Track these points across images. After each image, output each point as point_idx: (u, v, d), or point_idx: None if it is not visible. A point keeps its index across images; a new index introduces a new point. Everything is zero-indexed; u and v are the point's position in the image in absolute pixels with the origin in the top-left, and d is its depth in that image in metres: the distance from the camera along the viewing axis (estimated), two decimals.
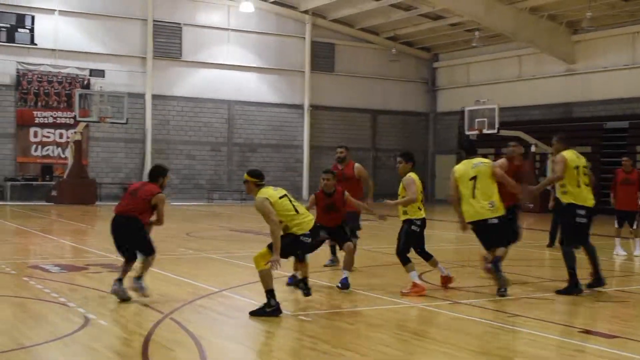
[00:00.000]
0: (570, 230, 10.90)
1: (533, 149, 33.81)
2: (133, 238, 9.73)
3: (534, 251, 16.93)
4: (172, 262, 13.46)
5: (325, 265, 13.17)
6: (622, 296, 11.03)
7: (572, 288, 10.79)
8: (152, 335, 7.78)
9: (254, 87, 39.42)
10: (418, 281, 10.51)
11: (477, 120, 32.93)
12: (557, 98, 37.26)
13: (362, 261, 13.56)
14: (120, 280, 9.71)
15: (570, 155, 10.92)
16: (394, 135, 43.04)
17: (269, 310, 8.84)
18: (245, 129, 39.26)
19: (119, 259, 10.29)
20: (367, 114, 42.79)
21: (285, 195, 9.25)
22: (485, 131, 32.62)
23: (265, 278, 8.91)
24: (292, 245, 9.16)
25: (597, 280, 11.02)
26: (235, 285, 11.09)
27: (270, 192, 9.13)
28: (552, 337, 8.08)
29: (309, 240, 9.20)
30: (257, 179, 9.21)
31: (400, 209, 10.73)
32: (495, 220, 10.55)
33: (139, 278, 9.69)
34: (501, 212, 10.61)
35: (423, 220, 10.80)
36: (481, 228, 10.65)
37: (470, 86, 41.55)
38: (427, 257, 11.12)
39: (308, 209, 10.12)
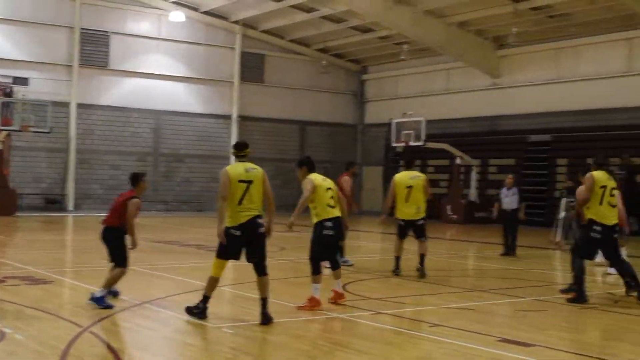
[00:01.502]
0: (584, 243, 11.69)
1: (458, 161, 34.37)
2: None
3: (456, 261, 17.21)
4: (93, 274, 13.24)
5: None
6: (539, 305, 11.29)
7: (579, 296, 11.41)
8: (70, 349, 7.64)
9: (182, 97, 39.15)
10: (317, 295, 10.23)
11: (404, 132, 33.31)
12: (483, 111, 37.98)
13: (287, 272, 13.60)
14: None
15: (598, 175, 11.52)
16: (323, 147, 43.21)
17: (196, 312, 9.20)
18: (173, 139, 38.91)
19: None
20: (296, 125, 42.90)
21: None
22: (411, 143, 33.02)
23: (210, 283, 9.27)
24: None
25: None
26: (158, 297, 10.99)
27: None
28: (471, 346, 8.22)
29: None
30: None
31: (311, 212, 10.72)
32: (422, 222, 13.98)
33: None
34: (423, 214, 13.93)
35: (336, 220, 10.46)
36: (411, 225, 13.98)
37: (398, 99, 42.02)
38: (334, 265, 10.82)
39: None
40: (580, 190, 11.78)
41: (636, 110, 31.89)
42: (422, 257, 13.99)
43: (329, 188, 10.54)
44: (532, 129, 35.76)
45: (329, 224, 10.35)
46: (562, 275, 16.71)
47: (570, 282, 12.11)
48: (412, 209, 13.89)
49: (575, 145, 33.69)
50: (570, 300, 11.44)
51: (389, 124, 35.43)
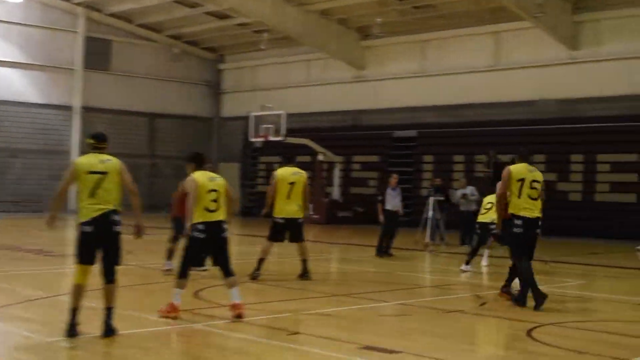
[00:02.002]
0: (511, 241, 11.98)
1: (320, 157, 34.72)
2: None
3: (319, 264, 17.39)
4: None
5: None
6: (404, 309, 11.56)
7: (538, 298, 11.53)
8: None
9: (17, 85, 37.75)
10: (177, 302, 9.94)
11: (263, 126, 33.36)
12: (346, 105, 38.56)
13: (133, 278, 13.35)
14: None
15: (516, 168, 11.88)
16: (174, 142, 42.72)
17: (67, 330, 8.60)
18: (5, 131, 37.45)
19: None
20: (145, 118, 42.22)
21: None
22: (271, 138, 33.13)
23: (74, 292, 8.71)
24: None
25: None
26: None
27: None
28: (332, 354, 8.27)
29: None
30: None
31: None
32: (301, 220, 14.26)
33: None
34: (302, 213, 14.24)
35: (209, 225, 10.00)
36: (290, 224, 14.15)
37: (257, 90, 42.08)
38: (227, 273, 10.25)
39: None
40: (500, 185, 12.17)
41: (503, 105, 33.20)
42: (304, 262, 14.35)
43: (213, 190, 10.12)
44: (397, 125, 36.63)
45: (200, 227, 9.98)
46: (430, 277, 17.21)
47: (506, 280, 12.47)
48: (293, 207, 14.14)
49: (441, 141, 34.74)
50: (514, 300, 11.77)
51: (247, 118, 35.44)
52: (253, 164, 42.43)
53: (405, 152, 36.08)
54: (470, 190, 23.62)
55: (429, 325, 10.33)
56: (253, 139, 34.43)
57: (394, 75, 37.06)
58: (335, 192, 35.05)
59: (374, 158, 37.01)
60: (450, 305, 12.08)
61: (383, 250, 19.46)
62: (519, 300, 11.72)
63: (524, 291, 11.80)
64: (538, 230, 11.92)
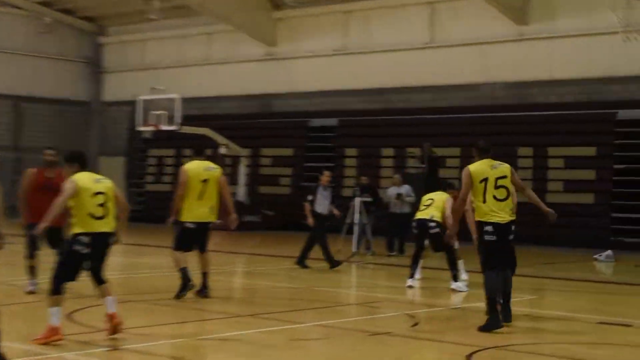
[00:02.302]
0: (481, 251, 11.96)
1: (223, 150, 34.47)
2: None
3: (221, 279, 17.25)
4: None
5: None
6: (323, 332, 11.52)
7: (492, 322, 11.48)
8: None
9: None
10: (55, 324, 9.80)
11: (153, 113, 33.00)
12: (254, 88, 38.44)
13: None
14: None
15: (475, 168, 11.94)
16: (44, 130, 41.93)
17: None
18: None
19: None
20: (8, 101, 41.47)
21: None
22: (163, 127, 32.80)
23: None
24: None
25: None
26: None
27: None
28: None
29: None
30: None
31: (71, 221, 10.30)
32: (210, 225, 14.23)
33: None
34: (214, 217, 14.11)
35: (96, 236, 10.06)
36: (201, 230, 14.11)
37: (146, 70, 41.64)
38: (98, 280, 10.37)
39: None
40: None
41: (440, 90, 33.52)
42: (205, 275, 14.13)
43: (100, 192, 10.12)
44: (314, 111, 36.67)
45: (85, 239, 9.99)
46: (354, 293, 17.25)
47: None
48: (205, 209, 14.06)
49: (367, 131, 34.92)
50: (480, 329, 11.50)
51: (134, 102, 35.03)
52: (141, 158, 41.99)
53: (325, 145, 36.16)
54: (406, 190, 23.80)
55: (354, 351, 10.31)
56: (141, 128, 34.04)
57: (311, 52, 37.09)
58: (241, 192, 34.88)
59: (287, 151, 37.01)
60: (378, 326, 12.12)
61: (332, 259, 19.45)
62: (490, 324, 11.63)
63: (491, 309, 11.73)
64: (511, 237, 12.01)
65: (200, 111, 38.10)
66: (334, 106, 36.26)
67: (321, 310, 13.84)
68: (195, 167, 14.23)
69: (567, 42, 31.08)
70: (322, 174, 20.15)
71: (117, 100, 42.87)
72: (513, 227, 11.98)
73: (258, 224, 33.89)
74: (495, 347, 10.57)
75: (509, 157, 30.66)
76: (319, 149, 36.14)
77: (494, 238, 11.80)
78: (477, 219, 11.98)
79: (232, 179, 35.22)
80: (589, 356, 10.32)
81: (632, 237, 28.60)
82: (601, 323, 12.89)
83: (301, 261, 19.47)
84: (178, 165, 39.01)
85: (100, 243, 10.10)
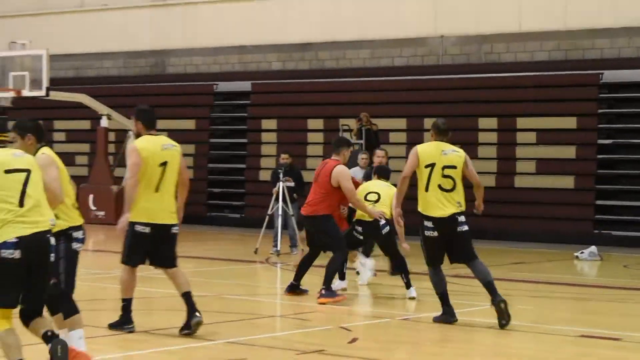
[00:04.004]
0: (422, 246, 12.73)
1: (105, 123, 34.19)
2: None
3: (106, 287, 17.37)
4: None
5: None
6: (241, 351, 11.72)
7: (445, 313, 12.70)
8: None
9: None
10: None
11: (13, 74, 32.70)
12: (144, 43, 38.18)
13: None
14: None
15: (424, 149, 12.48)
16: None
17: None
18: None
19: None
20: None
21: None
22: (26, 93, 32.47)
23: None
24: None
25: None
26: None
27: None
28: None
29: None
30: None
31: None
32: (177, 229, 12.66)
33: None
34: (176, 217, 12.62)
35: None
36: (161, 234, 12.50)
37: (2, 18, 41.15)
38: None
39: None
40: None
41: (381, 45, 33.77)
42: (187, 296, 12.67)
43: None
44: (221, 73, 36.70)
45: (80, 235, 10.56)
46: (279, 302, 17.42)
47: None
48: (165, 205, 12.53)
49: (289, 98, 35.07)
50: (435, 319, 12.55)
51: None
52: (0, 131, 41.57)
53: (235, 115, 36.20)
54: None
55: None
56: None
57: None
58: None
59: (187, 123, 36.85)
60: (308, 342, 12.30)
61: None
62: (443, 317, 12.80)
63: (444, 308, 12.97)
64: (464, 228, 12.48)
65: (74, 72, 37.90)
66: (246, 67, 36.30)
67: (238, 324, 14.01)
68: (150, 145, 12.47)
69: None
70: (362, 155, 20.08)
71: None
72: (462, 218, 12.43)
73: None
74: None
75: (468, 132, 31.05)
76: (228, 120, 36.17)
77: (435, 234, 12.28)
78: (419, 209, 12.40)
79: (119, 160, 35.03)
80: None
81: (620, 230, 29.18)
82: (583, 336, 13.14)
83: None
84: (47, 141, 38.83)
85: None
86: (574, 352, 12.29)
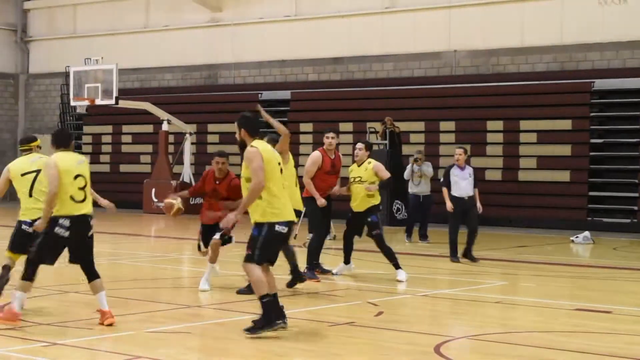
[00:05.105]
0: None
1: (165, 127, 34.34)
2: None
3: (165, 267, 17.31)
4: None
5: None
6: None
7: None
8: None
9: None
10: (18, 308, 10.57)
11: (87, 86, 32.84)
12: (199, 58, 38.30)
13: None
14: None
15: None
16: None
17: None
18: None
19: None
20: None
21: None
22: (99, 101, 32.63)
23: None
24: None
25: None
26: None
27: None
28: None
29: None
30: None
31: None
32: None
33: None
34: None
35: (77, 219, 10.76)
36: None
37: (78, 37, 41.30)
38: (91, 276, 11.00)
39: None
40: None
41: (400, 58, 33.67)
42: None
43: (80, 175, 10.82)
44: (265, 83, 36.66)
45: (65, 222, 10.69)
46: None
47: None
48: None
49: (323, 105, 34.97)
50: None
51: (65, 75, 34.77)
52: (75, 136, 41.72)
53: (277, 119, 36.10)
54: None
55: (320, 343, 10.41)
56: (74, 103, 33.86)
57: (260, 18, 37.01)
58: (186, 173, 34.78)
59: (235, 127, 36.71)
60: (337, 315, 12.27)
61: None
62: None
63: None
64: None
65: (139, 84, 37.96)
66: (286, 78, 36.31)
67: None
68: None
69: (538, 5, 31.31)
70: (457, 152, 19.22)
71: (47, 72, 42.48)
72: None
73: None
74: (465, 337, 10.75)
75: (478, 133, 31.06)
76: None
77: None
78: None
79: (177, 158, 35.16)
80: (565, 345, 10.52)
81: (611, 217, 29.08)
82: (578, 310, 13.12)
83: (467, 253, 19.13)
84: (116, 143, 38.98)
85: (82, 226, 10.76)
86: (570, 323, 12.17)
